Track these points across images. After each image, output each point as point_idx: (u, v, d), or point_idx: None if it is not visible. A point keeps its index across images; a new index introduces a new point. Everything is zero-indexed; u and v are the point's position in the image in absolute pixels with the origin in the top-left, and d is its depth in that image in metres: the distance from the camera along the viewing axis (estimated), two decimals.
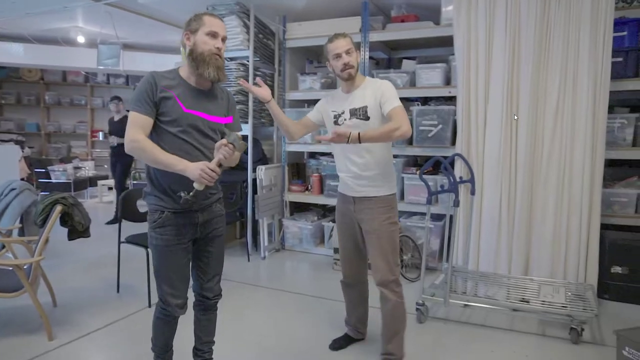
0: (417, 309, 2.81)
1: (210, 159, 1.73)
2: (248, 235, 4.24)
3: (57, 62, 6.98)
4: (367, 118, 2.10)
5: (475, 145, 3.17)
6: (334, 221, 4.29)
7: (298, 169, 4.81)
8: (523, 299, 2.77)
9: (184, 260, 1.84)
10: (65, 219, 2.71)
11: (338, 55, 2.10)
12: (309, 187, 4.47)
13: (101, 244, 4.44)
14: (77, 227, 2.73)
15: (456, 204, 2.66)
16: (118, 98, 5.66)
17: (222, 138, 1.77)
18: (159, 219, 1.79)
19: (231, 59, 4.27)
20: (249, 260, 4.14)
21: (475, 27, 3.11)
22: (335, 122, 2.20)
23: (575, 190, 2.90)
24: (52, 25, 5.84)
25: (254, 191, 4.21)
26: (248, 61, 4.14)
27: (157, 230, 1.79)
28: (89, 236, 2.86)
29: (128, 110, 1.68)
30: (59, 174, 6.75)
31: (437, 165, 4.02)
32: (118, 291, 3.30)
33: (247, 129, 4.19)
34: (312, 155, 4.82)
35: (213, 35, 1.75)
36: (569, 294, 2.72)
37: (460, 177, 3.18)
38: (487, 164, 3.14)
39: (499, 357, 2.41)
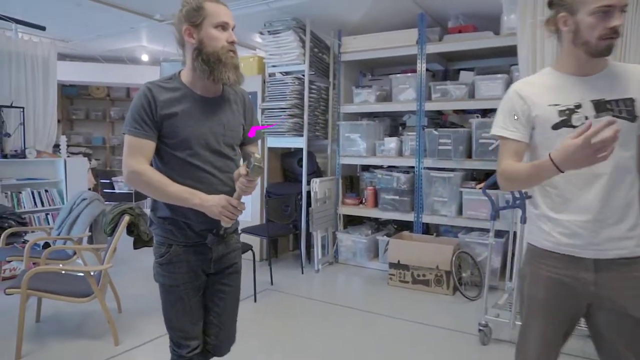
0: (480, 330, 2.68)
1: (229, 183, 1.47)
2: (302, 248, 4.25)
3: (122, 80, 7.42)
4: (635, 118, 1.26)
5: None
6: (388, 235, 4.23)
7: (352, 182, 4.79)
8: None
9: (195, 299, 1.54)
10: (131, 229, 2.83)
11: (608, 9, 1.19)
12: (363, 201, 4.43)
13: None
14: (142, 237, 2.84)
15: (523, 220, 2.53)
16: None
17: (242, 157, 1.58)
18: (165, 254, 1.49)
19: (287, 73, 4.35)
20: (302, 272, 4.14)
21: (540, 36, 2.98)
22: (564, 124, 1.28)
23: None
24: (119, 45, 6.22)
25: (308, 204, 4.23)
26: (304, 75, 4.20)
27: (163, 267, 1.50)
28: (153, 245, 2.96)
29: (124, 133, 1.42)
30: (122, 184, 7.11)
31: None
32: None
33: (301, 142, 4.24)
34: (366, 168, 4.79)
35: (223, 26, 1.40)
36: None
37: (526, 193, 3.03)
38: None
39: None
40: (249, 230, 3.94)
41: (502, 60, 4.29)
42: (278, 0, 3.93)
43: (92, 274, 2.58)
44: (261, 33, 4.27)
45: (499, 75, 3.68)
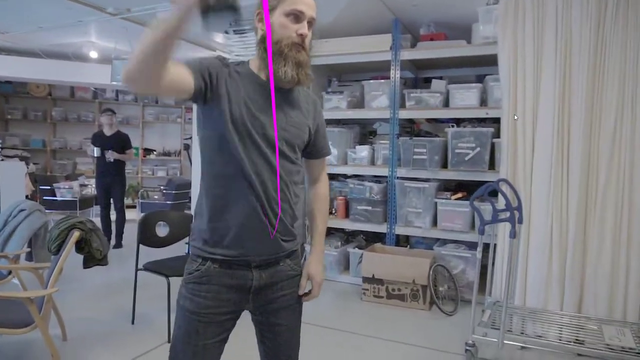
0: (467, 350, 2.55)
1: (287, 187, 1.27)
2: None
3: (67, 78, 6.81)
4: None
5: (522, 170, 2.96)
6: (359, 247, 4.07)
7: None
8: (583, 341, 2.51)
9: (214, 340, 1.27)
10: (81, 246, 2.47)
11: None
12: (333, 211, 4.23)
13: (113, 269, 4.17)
14: (94, 254, 2.49)
15: (512, 235, 2.43)
16: (111, 110, 5.21)
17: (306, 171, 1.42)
18: (196, 271, 1.25)
19: None
20: None
21: (522, 46, 2.93)
22: None
23: (635, 220, 2.68)
24: (64, 40, 5.69)
25: None
26: None
27: (189, 287, 1.26)
28: (106, 264, 2.61)
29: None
30: (65, 191, 6.51)
31: (470, 191, 3.81)
32: (133, 322, 3.03)
33: None
34: (334, 177, 4.60)
35: (296, 16, 1.22)
36: (637, 336, 2.47)
37: (506, 205, 2.95)
38: (535, 190, 2.92)
39: None
40: None
41: (473, 70, 4.27)
42: None
43: (32, 299, 2.20)
44: (226, 32, 3.99)
45: (474, 85, 3.63)
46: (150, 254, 3.07)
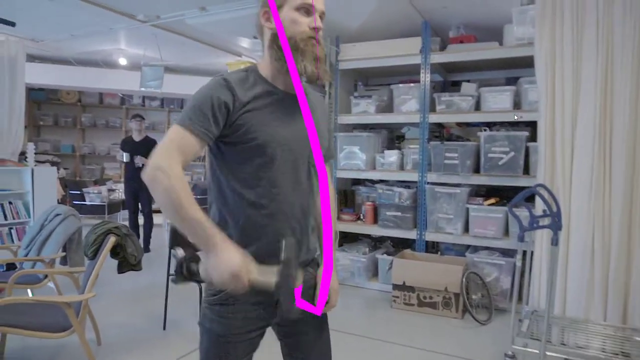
0: None
1: (308, 212, 1.22)
2: None
3: (96, 84, 6.97)
4: None
5: (561, 175, 2.86)
6: (388, 253, 4.00)
7: (346, 196, 4.55)
8: (629, 353, 2.40)
9: (246, 357, 1.23)
10: (117, 251, 2.49)
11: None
12: (361, 216, 4.19)
13: (142, 274, 4.18)
14: (129, 259, 2.50)
15: (555, 242, 2.35)
16: (141, 116, 5.23)
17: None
18: (220, 294, 1.16)
19: None
20: None
21: (560, 46, 2.84)
22: None
23: None
24: (94, 47, 5.82)
25: None
26: None
27: (215, 309, 1.18)
28: (140, 269, 2.62)
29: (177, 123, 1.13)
30: (94, 196, 6.64)
31: (502, 197, 3.71)
32: (164, 328, 3.04)
33: None
34: (360, 182, 4.56)
35: (306, 10, 1.16)
36: None
37: (544, 211, 2.86)
38: (575, 195, 2.81)
39: None
40: None
41: (504, 72, 4.18)
42: None
43: (70, 304, 2.22)
44: (255, 37, 4.00)
45: (507, 87, 3.54)
46: None
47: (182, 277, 1.10)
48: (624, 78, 2.67)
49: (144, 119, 5.25)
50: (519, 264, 2.49)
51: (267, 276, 1.04)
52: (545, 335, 2.37)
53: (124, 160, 5.03)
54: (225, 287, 1.05)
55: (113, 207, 6.78)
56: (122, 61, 6.02)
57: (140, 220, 5.21)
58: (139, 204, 5.18)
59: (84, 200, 6.59)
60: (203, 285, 1.25)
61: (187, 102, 1.19)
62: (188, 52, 5.71)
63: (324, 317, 1.33)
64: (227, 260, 1.01)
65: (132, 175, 5.06)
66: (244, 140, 1.13)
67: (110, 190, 6.96)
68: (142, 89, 5.20)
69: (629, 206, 2.69)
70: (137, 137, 5.18)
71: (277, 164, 1.15)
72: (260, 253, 1.13)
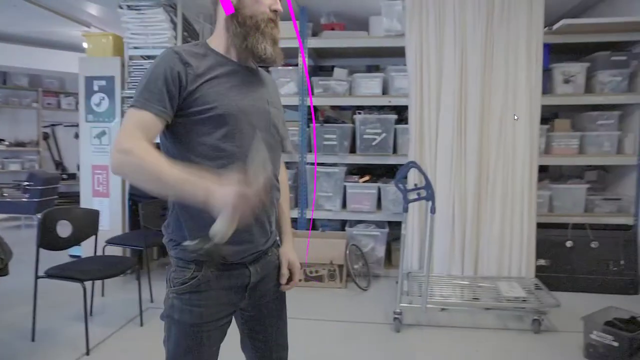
0: (395, 318, 2.79)
1: (276, 174, 1.25)
2: None
3: None
4: None
5: (428, 153, 3.30)
6: None
7: None
8: (479, 297, 2.95)
9: (216, 346, 1.20)
10: None
11: None
12: None
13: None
14: None
15: (433, 210, 2.72)
16: None
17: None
18: (191, 280, 1.12)
19: (148, 57, 3.78)
20: None
21: (427, 42, 3.24)
22: None
23: (517, 192, 3.21)
24: None
25: None
26: None
27: (184, 298, 1.13)
28: (6, 274, 2.21)
29: (130, 106, 1.06)
30: None
31: (373, 174, 4.10)
32: (33, 339, 2.62)
33: None
34: None
35: None
36: (525, 288, 2.98)
37: (415, 185, 3.27)
38: (439, 170, 3.28)
39: (483, 356, 2.52)
40: (118, 242, 3.31)
41: (368, 60, 4.56)
42: None
43: None
44: (120, 7, 3.60)
45: (377, 74, 3.90)
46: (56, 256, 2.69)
47: (215, 260, 1.06)
48: (475, 70, 3.19)
49: None
50: (404, 232, 2.82)
51: (258, 175, 0.96)
52: (425, 292, 2.76)
53: None
54: (248, 214, 0.94)
55: None
56: None
57: None
58: None
59: None
60: (169, 275, 1.15)
61: (140, 79, 1.07)
62: (20, 16, 4.81)
63: (284, 296, 1.35)
64: (226, 191, 0.91)
65: None
66: (202, 110, 1.08)
67: None
68: None
69: (479, 179, 3.25)
70: None
71: (239, 135, 1.12)
72: None
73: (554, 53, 3.79)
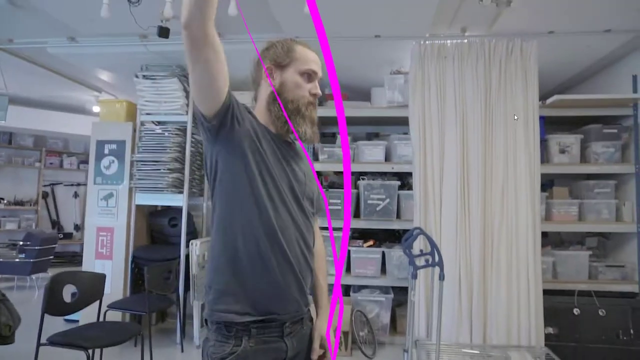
0: None
1: (306, 253, 1.26)
2: (179, 321, 3.68)
3: None
4: None
5: (433, 219, 3.36)
6: None
7: None
8: None
9: None
10: None
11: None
12: None
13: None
14: (1, 331, 2.04)
15: (442, 277, 2.73)
16: None
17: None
18: (231, 355, 1.13)
19: (159, 123, 3.92)
20: (182, 350, 3.56)
21: (429, 113, 3.40)
22: None
23: (522, 258, 3.23)
24: None
25: (186, 269, 3.75)
26: (185, 127, 3.84)
27: None
28: (12, 342, 2.15)
29: None
30: None
31: (376, 239, 4.13)
32: None
33: (180, 200, 3.79)
34: None
35: (309, 75, 1.26)
36: (537, 358, 2.93)
37: (421, 250, 3.29)
38: (444, 236, 3.32)
39: None
40: (121, 306, 3.25)
41: (368, 128, 4.75)
42: (156, 44, 3.58)
43: None
44: (136, 77, 3.77)
45: (380, 142, 4.04)
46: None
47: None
48: (476, 137, 3.33)
49: None
50: (413, 299, 2.81)
51: None
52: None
53: None
54: None
55: None
56: None
57: None
58: None
59: None
60: (207, 349, 1.16)
61: None
62: (36, 81, 5.00)
63: None
64: None
65: None
66: (252, 169, 1.17)
67: None
68: None
69: (483, 245, 3.29)
70: None
71: (282, 199, 1.20)
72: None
73: (549, 124, 3.98)
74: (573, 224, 3.77)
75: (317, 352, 1.31)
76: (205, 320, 1.22)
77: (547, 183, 4.10)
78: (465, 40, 3.40)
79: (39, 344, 2.48)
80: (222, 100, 1.09)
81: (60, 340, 2.44)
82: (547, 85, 4.13)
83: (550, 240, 4.15)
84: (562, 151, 3.75)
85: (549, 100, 3.66)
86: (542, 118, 3.75)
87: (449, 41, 3.42)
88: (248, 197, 1.16)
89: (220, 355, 1.13)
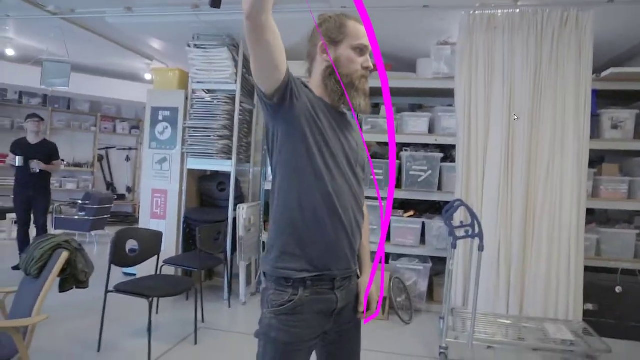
0: (441, 353, 2.84)
1: (358, 217, 1.36)
2: (226, 279, 3.94)
3: None
4: None
5: (474, 191, 3.38)
6: None
7: (267, 207, 4.64)
8: (525, 338, 2.95)
9: None
10: (64, 267, 2.27)
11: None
12: None
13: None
14: (78, 277, 2.30)
15: (481, 248, 2.79)
16: (38, 116, 4.65)
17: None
18: (289, 302, 1.26)
19: (209, 91, 4.06)
20: (229, 306, 3.83)
21: (475, 85, 3.38)
22: None
23: (564, 235, 3.23)
24: None
25: (232, 231, 3.97)
26: (234, 95, 3.98)
27: (282, 319, 1.26)
28: (87, 287, 2.42)
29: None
30: None
31: (417, 210, 4.19)
32: (99, 350, 2.80)
33: (229, 166, 3.98)
34: None
35: (361, 49, 1.32)
36: (573, 332, 2.97)
37: (461, 222, 3.35)
38: (485, 209, 3.35)
39: None
40: (175, 262, 3.51)
41: (416, 99, 4.72)
42: (207, 14, 3.69)
43: (18, 329, 1.98)
44: (188, 46, 3.92)
45: (424, 114, 4.04)
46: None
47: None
48: (523, 113, 3.29)
49: (42, 119, 4.68)
50: (452, 268, 2.89)
51: None
52: (472, 328, 2.80)
53: (17, 164, 4.43)
54: None
55: None
56: (10, 52, 5.28)
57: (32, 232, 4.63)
58: (32, 215, 4.60)
59: None
60: (267, 297, 1.30)
61: None
62: (93, 49, 5.26)
63: (360, 325, 1.46)
64: None
65: (26, 182, 4.48)
66: (313, 139, 1.26)
67: None
68: (43, 86, 4.64)
69: (525, 220, 3.30)
70: (33, 140, 4.59)
71: (339, 166, 1.30)
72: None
73: (601, 98, 3.85)
74: (622, 201, 3.69)
75: (362, 305, 1.42)
76: (264, 272, 1.35)
77: (597, 159, 4.00)
78: (518, 10, 3.31)
79: (107, 291, 2.76)
80: (281, 79, 1.17)
81: (125, 288, 2.71)
82: (602, 58, 3.96)
83: (596, 218, 4.08)
84: (615, 126, 3.64)
85: (603, 74, 3.53)
86: (594, 92, 3.64)
87: (500, 11, 3.34)
88: (306, 166, 1.25)
89: (279, 302, 1.26)
